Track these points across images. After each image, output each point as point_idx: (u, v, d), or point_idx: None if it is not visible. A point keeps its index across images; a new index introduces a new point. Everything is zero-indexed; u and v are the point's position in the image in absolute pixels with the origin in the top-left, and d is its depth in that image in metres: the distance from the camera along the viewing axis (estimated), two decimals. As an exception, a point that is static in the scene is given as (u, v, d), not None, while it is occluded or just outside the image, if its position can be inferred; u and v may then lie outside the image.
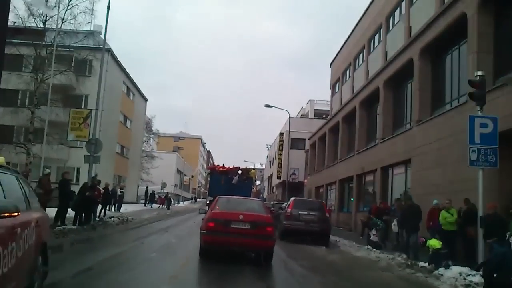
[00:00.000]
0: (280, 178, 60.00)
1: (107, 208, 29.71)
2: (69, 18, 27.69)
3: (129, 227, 19.22)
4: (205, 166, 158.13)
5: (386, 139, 22.97)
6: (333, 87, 45.47)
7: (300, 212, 17.52)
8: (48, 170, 17.01)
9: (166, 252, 11.86)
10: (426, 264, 11.00)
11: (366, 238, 17.48)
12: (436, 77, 19.12)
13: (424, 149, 18.01)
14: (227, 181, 24.57)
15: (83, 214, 16.96)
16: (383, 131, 23.64)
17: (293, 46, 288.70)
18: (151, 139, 67.34)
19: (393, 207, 18.42)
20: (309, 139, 46.20)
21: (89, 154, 18.99)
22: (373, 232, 16.46)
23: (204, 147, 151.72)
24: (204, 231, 10.15)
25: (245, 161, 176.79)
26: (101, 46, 38.08)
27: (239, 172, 25.76)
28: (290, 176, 42.92)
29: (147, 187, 47.33)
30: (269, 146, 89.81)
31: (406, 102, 22.36)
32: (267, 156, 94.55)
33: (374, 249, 15.08)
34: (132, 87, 47.39)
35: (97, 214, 20.38)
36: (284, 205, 24.29)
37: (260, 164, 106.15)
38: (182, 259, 10.88)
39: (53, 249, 11.10)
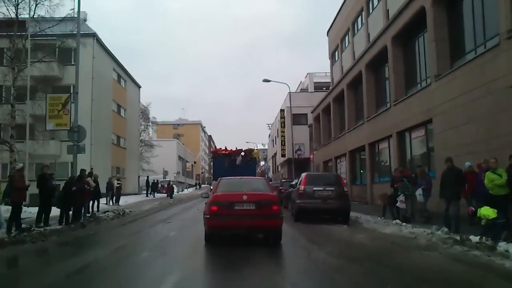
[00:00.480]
0: (284, 156, 58.12)
1: (105, 202, 28.00)
2: (43, -1, 25.15)
3: (125, 221, 17.26)
4: (207, 151, 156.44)
5: (400, 101, 20.89)
6: (332, 56, 43.49)
7: (314, 189, 15.50)
8: (20, 165, 14.94)
9: (162, 249, 9.88)
10: (478, 238, 9.02)
11: (391, 210, 15.47)
12: (453, 24, 16.99)
13: (448, 106, 15.96)
14: (231, 163, 24.50)
15: (71, 211, 15.05)
16: (395, 92, 21.54)
17: (287, 24, 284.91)
18: (149, 127, 65.20)
19: (413, 175, 16.33)
20: (312, 113, 44.15)
21: (72, 143, 16.83)
22: (401, 197, 14.28)
23: (205, 132, 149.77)
24: (208, 216, 9.74)
25: (247, 142, 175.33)
26: (86, 32, 36.24)
27: (242, 154, 25.59)
28: (295, 152, 40.87)
29: (147, 177, 45.40)
30: (270, 126, 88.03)
31: (419, 58, 20.24)
32: (269, 136, 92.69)
33: (404, 223, 13.12)
34: (123, 74, 45.14)
35: (89, 209, 18.43)
36: (294, 182, 22.36)
37: (262, 144, 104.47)
38: (178, 259, 8.90)
39: (20, 257, 9.41)
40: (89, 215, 17.31)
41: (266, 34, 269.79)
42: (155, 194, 44.38)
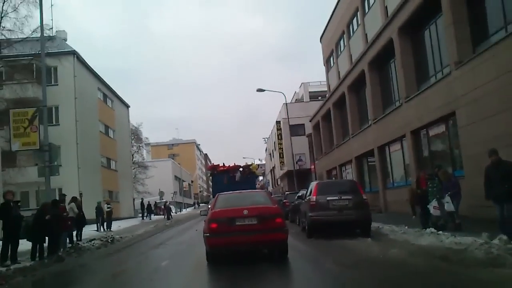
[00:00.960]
0: (284, 169, 56.09)
1: (96, 229, 25.71)
2: (9, 11, 23.16)
3: (112, 250, 15.02)
4: (203, 169, 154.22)
5: (412, 97, 18.85)
6: (326, 62, 41.64)
7: (328, 199, 13.33)
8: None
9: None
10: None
11: (420, 217, 13.35)
12: (474, 5, 15.04)
13: (474, 95, 13.88)
14: (229, 180, 24.36)
15: (47, 243, 12.83)
16: (405, 88, 19.50)
17: (275, 39, 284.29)
18: (142, 148, 63.00)
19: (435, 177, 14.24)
20: (310, 121, 42.16)
21: (42, 164, 14.66)
22: (434, 203, 12.13)
23: (200, 151, 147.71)
24: (208, 234, 9.22)
25: (244, 158, 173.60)
26: (65, 50, 34.31)
27: (240, 169, 25.53)
28: (296, 163, 38.76)
29: (142, 199, 43.09)
30: (266, 139, 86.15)
31: (431, 47, 18.22)
32: (266, 150, 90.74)
33: (441, 232, 10.98)
34: (109, 93, 43.09)
35: (72, 239, 16.18)
36: (301, 193, 20.23)
37: (259, 160, 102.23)
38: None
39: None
40: (69, 246, 15.05)
41: (255, 50, 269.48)
42: (151, 216, 42.09)
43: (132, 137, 58.17)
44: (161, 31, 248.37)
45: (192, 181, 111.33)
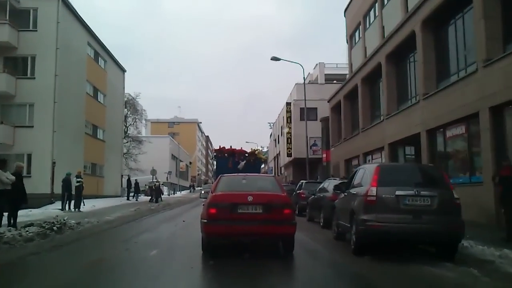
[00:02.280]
0: (291, 156, 51.00)
1: (61, 207, 20.54)
2: None
3: (40, 249, 9.66)
4: (204, 152, 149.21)
5: (494, 61, 13.49)
6: (350, 38, 36.57)
7: (399, 193, 7.98)
8: None
9: None
10: None
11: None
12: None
13: None
14: (234, 164, 23.86)
15: None
16: (486, 48, 14.10)
17: (285, 26, 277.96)
18: (138, 121, 57.54)
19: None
20: (328, 101, 36.69)
21: None
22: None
23: (202, 131, 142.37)
24: (205, 220, 8.07)
25: (246, 142, 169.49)
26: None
27: (244, 161, 24.76)
28: (310, 148, 33.28)
29: (128, 176, 37.68)
30: (271, 124, 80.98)
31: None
32: (271, 136, 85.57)
33: None
34: (102, 52, 37.64)
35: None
36: (327, 184, 15.16)
37: (261, 147, 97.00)
38: None
39: None
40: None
41: (264, 36, 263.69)
42: (138, 197, 36.95)
43: (128, 108, 52.89)
44: (173, 8, 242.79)
45: (190, 163, 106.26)
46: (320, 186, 16.29)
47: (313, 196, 16.45)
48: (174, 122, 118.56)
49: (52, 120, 26.82)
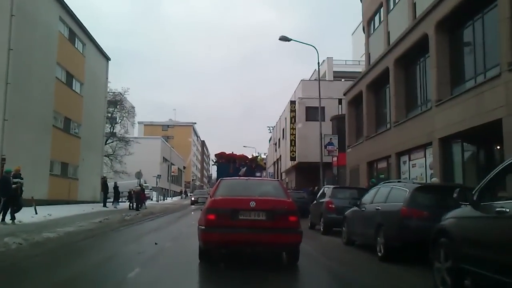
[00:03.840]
0: (294, 160, 45.59)
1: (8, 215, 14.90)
2: None
3: None
4: (199, 157, 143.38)
5: None
6: (368, 23, 31.45)
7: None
8: None
9: None
10: None
11: None
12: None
13: None
14: (236, 170, 24.89)
15: None
16: None
17: (286, 33, 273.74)
18: (125, 119, 51.77)
19: None
20: (345, 94, 31.23)
21: None
22: None
23: (198, 136, 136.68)
24: (203, 227, 7.51)
25: (244, 146, 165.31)
26: None
27: (247, 161, 25.50)
28: (325, 147, 27.54)
29: (104, 178, 31.69)
30: (271, 128, 75.56)
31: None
32: (270, 140, 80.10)
33: None
34: (81, 33, 32.14)
35: None
36: (369, 198, 9.70)
37: (258, 153, 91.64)
38: None
39: None
40: None
41: (265, 43, 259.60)
42: (118, 203, 31.24)
43: (114, 105, 47.25)
44: (172, 13, 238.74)
45: (184, 167, 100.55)
46: (367, 194, 10.69)
47: (354, 208, 10.87)
48: (168, 125, 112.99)
49: (3, 106, 21.24)
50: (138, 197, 27.72)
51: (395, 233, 8.22)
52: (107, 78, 38.67)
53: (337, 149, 27.38)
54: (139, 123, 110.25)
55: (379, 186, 10.72)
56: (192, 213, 27.28)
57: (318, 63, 28.27)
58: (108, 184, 30.50)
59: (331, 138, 27.41)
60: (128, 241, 11.86)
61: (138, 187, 29.38)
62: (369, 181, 21.05)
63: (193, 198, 38.10)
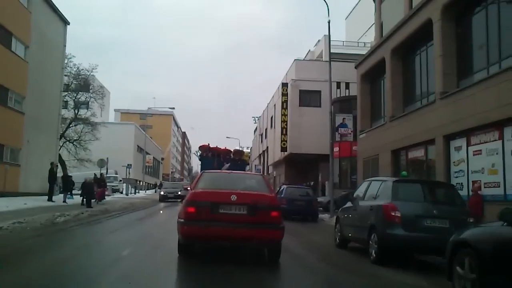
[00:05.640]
0: (285, 150, 39.72)
1: None
2: None
3: None
4: (179, 148, 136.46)
5: None
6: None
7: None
8: None
9: None
10: None
11: None
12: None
13: None
14: (220, 165, 24.35)
15: None
16: None
17: (271, 27, 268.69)
18: (93, 100, 44.89)
19: None
20: (356, 68, 25.20)
21: None
22: None
23: (178, 127, 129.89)
24: (182, 220, 7.32)
25: (227, 137, 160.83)
26: None
27: (231, 155, 26.96)
28: (336, 131, 21.19)
29: (52, 165, 24.71)
30: (257, 119, 69.88)
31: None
32: (255, 131, 74.23)
33: None
34: (27, -16, 25.50)
35: None
36: None
37: (241, 146, 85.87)
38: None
39: None
40: None
41: (251, 36, 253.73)
42: (71, 196, 24.73)
43: (76, 80, 40.42)
44: (157, 4, 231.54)
45: (162, 158, 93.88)
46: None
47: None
48: (146, 114, 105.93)
49: None
50: (89, 190, 21.22)
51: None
52: (64, 46, 31.93)
53: (352, 132, 21.22)
54: (115, 110, 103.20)
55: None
56: (161, 212, 21.17)
57: (329, 22, 21.94)
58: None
59: (344, 118, 21.38)
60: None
61: (91, 178, 22.85)
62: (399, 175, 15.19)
63: (162, 193, 31.47)
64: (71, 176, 25.78)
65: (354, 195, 9.95)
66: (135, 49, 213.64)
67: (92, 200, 21.91)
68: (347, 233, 10.08)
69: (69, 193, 24.48)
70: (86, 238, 10.70)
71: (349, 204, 10.40)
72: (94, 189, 22.95)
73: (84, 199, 21.07)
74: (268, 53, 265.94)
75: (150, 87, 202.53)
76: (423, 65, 17.97)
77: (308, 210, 17.77)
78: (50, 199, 22.54)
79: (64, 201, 22.79)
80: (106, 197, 30.33)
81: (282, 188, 20.36)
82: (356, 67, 25.15)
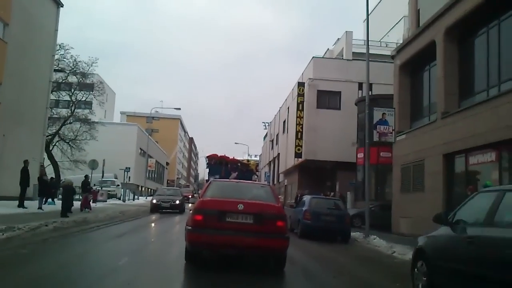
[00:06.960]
0: (300, 157, 35.97)
1: None
2: None
3: None
4: (186, 154, 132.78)
5: None
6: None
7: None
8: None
9: None
10: None
11: None
12: None
13: None
14: (227, 174, 24.91)
15: None
16: None
17: (281, 35, 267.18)
18: (92, 96, 41.19)
19: None
20: (393, 58, 21.12)
21: None
22: None
23: (185, 131, 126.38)
24: (190, 227, 7.43)
25: (235, 143, 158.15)
26: None
27: (239, 164, 27.37)
28: (375, 128, 17.03)
29: (25, 164, 20.46)
30: (267, 124, 66.16)
31: None
32: (265, 137, 70.54)
33: None
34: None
35: None
36: None
37: (249, 155, 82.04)
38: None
39: None
40: None
41: (260, 44, 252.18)
42: (53, 202, 20.85)
43: (74, 74, 36.73)
44: (166, 10, 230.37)
45: (167, 163, 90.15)
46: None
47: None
48: (153, 116, 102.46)
49: None
50: (67, 194, 17.24)
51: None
52: (56, 30, 28.21)
53: (393, 130, 17.09)
54: (121, 113, 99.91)
55: None
56: (152, 225, 17.21)
57: (367, 2, 17.73)
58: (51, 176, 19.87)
59: (384, 114, 16.96)
60: None
61: (68, 181, 18.78)
62: (482, 186, 11.12)
63: (154, 201, 25.43)
64: (52, 178, 21.92)
65: (456, 217, 5.64)
66: (141, 55, 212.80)
67: (73, 207, 17.99)
68: (449, 284, 5.40)
69: (50, 198, 20.61)
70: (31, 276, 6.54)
71: (445, 230, 6.02)
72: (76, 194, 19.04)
73: (62, 207, 17.07)
74: (277, 61, 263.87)
75: (158, 94, 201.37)
76: (492, 48, 14.00)
77: (340, 227, 13.79)
78: (21, 205, 18.68)
79: (40, 208, 18.91)
80: (96, 203, 26.55)
81: (303, 199, 16.34)
82: (392, 57, 21.08)
